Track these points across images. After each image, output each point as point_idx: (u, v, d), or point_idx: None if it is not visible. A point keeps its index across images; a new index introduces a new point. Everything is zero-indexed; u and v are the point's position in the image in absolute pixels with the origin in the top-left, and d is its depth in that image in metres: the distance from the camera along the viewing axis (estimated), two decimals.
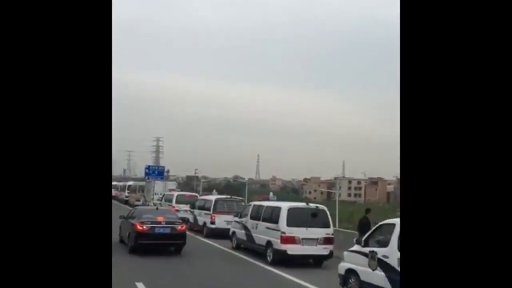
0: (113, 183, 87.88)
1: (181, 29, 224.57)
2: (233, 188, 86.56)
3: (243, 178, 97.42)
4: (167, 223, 17.90)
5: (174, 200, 34.41)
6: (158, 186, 49.91)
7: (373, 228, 12.37)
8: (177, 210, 28.56)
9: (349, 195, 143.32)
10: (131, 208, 25.33)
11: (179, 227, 18.03)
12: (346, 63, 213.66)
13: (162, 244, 17.91)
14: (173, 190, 46.52)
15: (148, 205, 36.55)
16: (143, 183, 54.89)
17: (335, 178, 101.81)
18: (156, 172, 57.35)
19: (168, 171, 71.52)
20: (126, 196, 57.67)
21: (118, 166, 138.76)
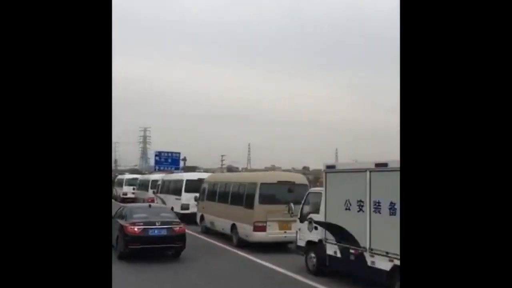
0: None
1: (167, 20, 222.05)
2: None
3: (237, 168, 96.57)
4: (162, 223, 15.02)
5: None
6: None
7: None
8: None
9: None
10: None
11: (177, 227, 15.12)
12: (338, 50, 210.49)
13: (157, 249, 15.13)
14: None
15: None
16: (146, 176, 44.18)
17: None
18: (169, 159, 50.27)
19: (185, 159, 56.22)
20: (124, 195, 43.81)
21: None
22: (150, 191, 34.90)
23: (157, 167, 49.89)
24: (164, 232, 14.86)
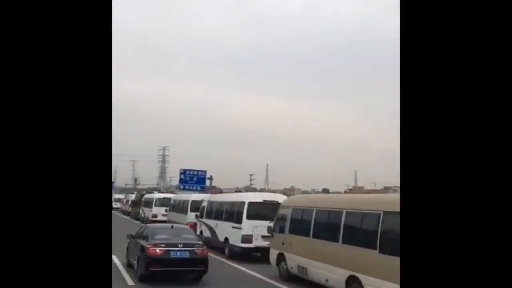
0: (119, 196, 76.48)
1: (183, 39, 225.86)
2: None
3: (256, 188, 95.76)
4: (185, 245, 14.26)
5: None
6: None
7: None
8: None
9: None
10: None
11: (199, 250, 14.35)
12: (353, 73, 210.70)
13: (179, 272, 14.46)
14: None
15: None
16: (183, 196, 36.21)
17: (351, 188, 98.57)
18: (195, 178, 47.46)
19: (211, 178, 53.87)
20: (154, 217, 38.31)
21: (119, 177, 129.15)
22: (191, 214, 28.67)
23: (182, 186, 48.01)
24: (186, 255, 14.14)
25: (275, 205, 18.29)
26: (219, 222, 22.46)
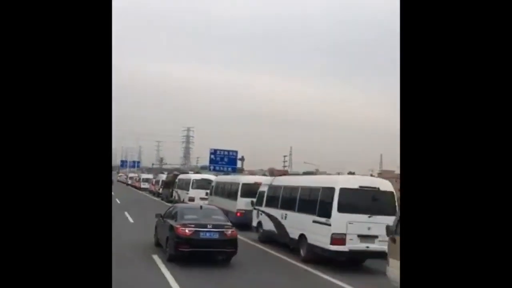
0: (147, 175, 75.58)
1: (207, 20, 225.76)
2: None
3: (279, 170, 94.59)
4: (214, 226, 14.14)
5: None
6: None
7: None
8: None
9: None
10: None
11: (229, 231, 14.23)
12: (377, 54, 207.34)
13: (208, 253, 14.28)
14: None
15: None
16: (231, 178, 30.85)
17: (380, 173, 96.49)
18: (225, 158, 44.48)
19: (243, 158, 48.60)
20: (191, 200, 33.00)
21: (144, 157, 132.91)
22: (241, 200, 24.19)
23: (212, 167, 45.04)
24: (215, 236, 14.04)
25: (376, 193, 14.76)
26: (290, 213, 17.22)
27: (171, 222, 14.68)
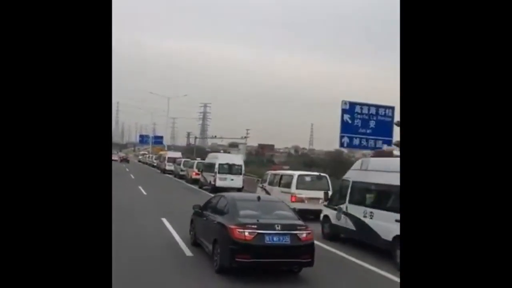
0: (174, 154, 61.71)
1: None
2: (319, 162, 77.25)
3: (305, 148, 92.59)
4: (284, 227, 10.07)
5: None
6: None
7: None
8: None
9: None
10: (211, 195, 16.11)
11: (304, 234, 10.15)
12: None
13: (275, 264, 10.27)
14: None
15: None
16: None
17: None
18: None
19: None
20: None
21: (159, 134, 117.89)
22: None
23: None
24: (286, 240, 9.99)
25: None
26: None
27: (220, 219, 10.89)
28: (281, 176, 22.99)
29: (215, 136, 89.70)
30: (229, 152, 49.89)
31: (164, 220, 17.52)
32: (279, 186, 22.32)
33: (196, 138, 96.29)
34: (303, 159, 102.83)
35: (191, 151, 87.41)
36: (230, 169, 33.24)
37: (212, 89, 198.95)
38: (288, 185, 21.08)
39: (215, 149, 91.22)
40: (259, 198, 11.83)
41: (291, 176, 21.36)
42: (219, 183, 32.05)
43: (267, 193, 22.38)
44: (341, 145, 24.55)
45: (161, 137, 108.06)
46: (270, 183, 23.53)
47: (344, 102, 23.79)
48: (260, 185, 24.84)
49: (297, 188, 20.56)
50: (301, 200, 20.17)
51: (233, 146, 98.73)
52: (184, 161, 49.35)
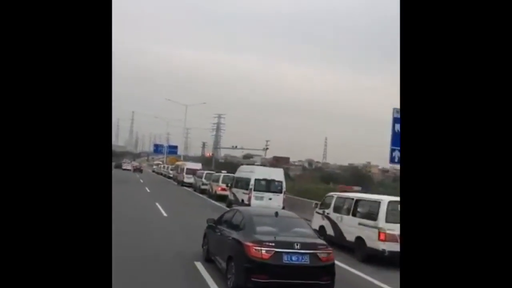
0: (193, 165, 53.62)
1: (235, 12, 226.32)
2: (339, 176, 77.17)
3: (319, 162, 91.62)
4: (303, 246, 9.49)
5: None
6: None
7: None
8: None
9: None
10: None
11: (324, 254, 9.62)
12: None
13: (293, 285, 9.47)
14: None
15: None
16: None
17: None
18: None
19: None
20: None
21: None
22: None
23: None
24: (305, 260, 9.39)
25: None
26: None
27: (236, 235, 10.27)
28: (357, 201, 15.99)
29: (236, 147, 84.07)
30: (256, 164, 42.44)
31: (199, 265, 11.80)
32: (353, 215, 15.69)
33: (216, 148, 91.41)
34: (318, 173, 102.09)
35: (207, 161, 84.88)
36: (269, 185, 26.63)
37: (225, 99, 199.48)
38: (371, 216, 14.67)
39: (229, 161, 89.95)
40: (276, 213, 10.93)
41: (377, 203, 14.72)
42: (254, 203, 25.66)
43: (332, 223, 16.86)
44: (392, 160, 20.95)
45: (176, 147, 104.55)
46: (337, 210, 16.84)
47: (396, 110, 19.94)
48: (320, 211, 18.02)
49: (387, 220, 13.99)
50: (394, 239, 13.23)
51: (248, 157, 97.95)
52: (207, 173, 43.26)
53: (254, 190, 26.26)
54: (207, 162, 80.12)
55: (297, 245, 9.39)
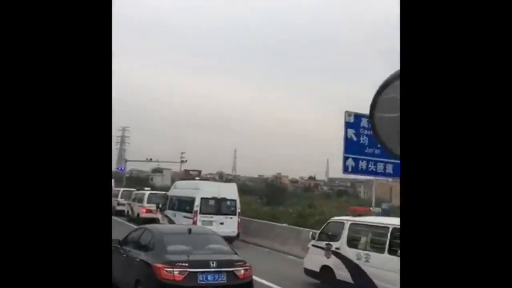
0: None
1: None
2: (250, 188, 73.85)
3: (229, 175, 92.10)
4: (220, 264, 8.90)
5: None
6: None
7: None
8: None
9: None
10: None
11: (241, 271, 9.05)
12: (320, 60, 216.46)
13: None
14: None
15: None
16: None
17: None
18: None
19: None
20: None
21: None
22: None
23: None
24: (223, 279, 8.82)
25: None
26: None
27: (144, 256, 9.33)
28: (395, 231, 10.48)
29: (150, 159, 77.21)
30: (197, 179, 31.75)
31: None
32: (390, 252, 10.57)
33: (126, 161, 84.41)
34: None
35: (119, 178, 77.84)
36: (219, 206, 20.77)
37: (129, 113, 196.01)
38: None
39: (135, 175, 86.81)
40: (190, 230, 10.21)
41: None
42: None
43: (347, 263, 11.78)
44: (345, 169, 17.92)
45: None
46: (354, 244, 11.91)
47: (348, 114, 17.55)
48: (320, 244, 12.89)
49: None
50: None
51: (157, 171, 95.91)
52: (124, 191, 36.17)
53: (201, 213, 20.06)
54: (119, 178, 74.80)
55: (213, 263, 8.84)
